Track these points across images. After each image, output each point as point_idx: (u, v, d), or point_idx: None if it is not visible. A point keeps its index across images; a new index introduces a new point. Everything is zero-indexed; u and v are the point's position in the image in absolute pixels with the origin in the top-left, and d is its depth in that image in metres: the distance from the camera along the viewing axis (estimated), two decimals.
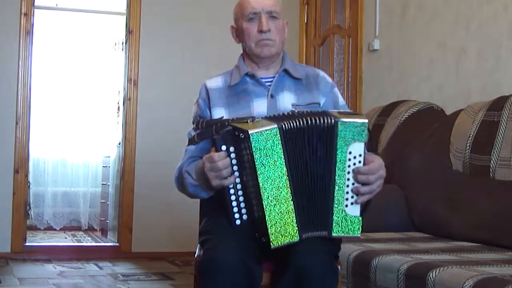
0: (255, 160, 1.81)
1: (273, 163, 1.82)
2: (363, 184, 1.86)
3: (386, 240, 2.72)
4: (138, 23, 5.38)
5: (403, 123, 3.48)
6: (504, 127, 2.79)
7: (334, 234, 1.86)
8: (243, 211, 1.90)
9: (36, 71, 6.24)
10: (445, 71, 3.65)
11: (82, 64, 7.25)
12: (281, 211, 1.83)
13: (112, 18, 6.99)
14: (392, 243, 2.65)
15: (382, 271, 2.28)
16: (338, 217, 1.85)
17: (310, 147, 1.86)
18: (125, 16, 5.63)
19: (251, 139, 1.81)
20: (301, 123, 1.85)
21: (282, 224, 1.83)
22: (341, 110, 1.98)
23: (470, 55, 3.46)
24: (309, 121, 1.85)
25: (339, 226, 1.85)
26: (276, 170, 1.82)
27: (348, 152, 1.83)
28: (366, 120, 1.83)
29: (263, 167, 1.82)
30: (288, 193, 1.84)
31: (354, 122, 1.83)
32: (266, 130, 1.82)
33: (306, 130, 1.85)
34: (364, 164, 1.85)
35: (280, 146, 1.83)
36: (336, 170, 1.83)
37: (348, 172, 1.84)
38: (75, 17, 7.20)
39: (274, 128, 1.83)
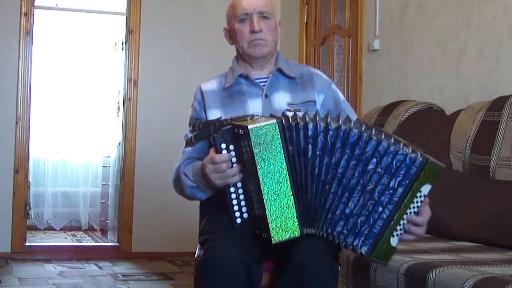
0: (255, 155, 1.81)
1: (272, 157, 1.82)
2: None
3: None
4: (138, 23, 5.38)
5: (403, 123, 3.47)
6: (504, 127, 2.79)
7: (372, 257, 1.86)
8: (244, 209, 1.90)
9: (36, 71, 6.24)
10: (445, 71, 3.65)
11: (82, 64, 7.25)
12: (281, 206, 1.83)
13: (112, 18, 6.99)
14: None
15: (382, 271, 2.28)
16: (383, 244, 1.85)
17: (326, 146, 1.83)
18: (125, 16, 5.63)
19: (250, 134, 1.81)
20: (305, 121, 1.84)
21: (282, 219, 1.83)
22: (405, 142, 1.89)
23: (470, 55, 3.46)
24: (396, 145, 1.81)
25: (379, 252, 1.85)
26: (276, 165, 1.83)
27: (419, 190, 1.83)
28: (444, 166, 1.86)
29: (263, 161, 1.82)
30: (288, 187, 1.83)
31: (440, 166, 1.83)
32: (265, 124, 1.82)
33: (317, 128, 1.83)
34: (422, 204, 1.86)
35: (279, 140, 1.83)
36: (404, 203, 1.82)
37: (409, 208, 1.84)
38: (75, 17, 7.20)
39: (273, 123, 1.83)
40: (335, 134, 1.82)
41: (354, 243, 1.85)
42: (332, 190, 1.85)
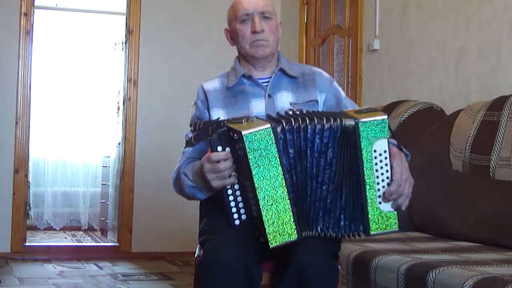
0: (250, 161, 1.80)
1: (268, 163, 1.81)
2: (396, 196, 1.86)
3: (386, 240, 2.72)
4: (138, 23, 5.38)
5: (403, 123, 3.47)
6: (504, 127, 2.79)
7: (372, 232, 1.86)
8: (242, 211, 1.90)
9: (36, 71, 6.25)
10: (445, 71, 3.65)
11: (82, 64, 7.25)
12: (278, 210, 1.82)
13: (112, 18, 7.00)
14: (392, 243, 2.65)
15: (382, 271, 2.28)
16: (374, 215, 1.85)
17: (321, 147, 1.84)
18: (125, 16, 5.63)
19: (244, 139, 1.80)
20: (305, 122, 1.84)
21: (279, 224, 1.83)
22: (356, 109, 1.97)
23: (470, 55, 3.46)
24: (321, 122, 1.83)
25: (377, 224, 1.86)
26: (271, 170, 1.82)
27: (373, 150, 1.82)
28: (386, 116, 1.83)
29: (258, 167, 1.81)
30: (284, 192, 1.83)
31: (374, 120, 1.82)
32: (259, 130, 1.81)
33: (315, 130, 1.84)
34: (390, 159, 1.84)
35: (274, 146, 1.81)
36: (365, 170, 1.82)
37: (377, 170, 1.84)
38: (75, 17, 7.20)
39: (267, 128, 1.82)
40: (328, 134, 1.84)
41: (355, 228, 1.87)
42: (330, 190, 1.86)
